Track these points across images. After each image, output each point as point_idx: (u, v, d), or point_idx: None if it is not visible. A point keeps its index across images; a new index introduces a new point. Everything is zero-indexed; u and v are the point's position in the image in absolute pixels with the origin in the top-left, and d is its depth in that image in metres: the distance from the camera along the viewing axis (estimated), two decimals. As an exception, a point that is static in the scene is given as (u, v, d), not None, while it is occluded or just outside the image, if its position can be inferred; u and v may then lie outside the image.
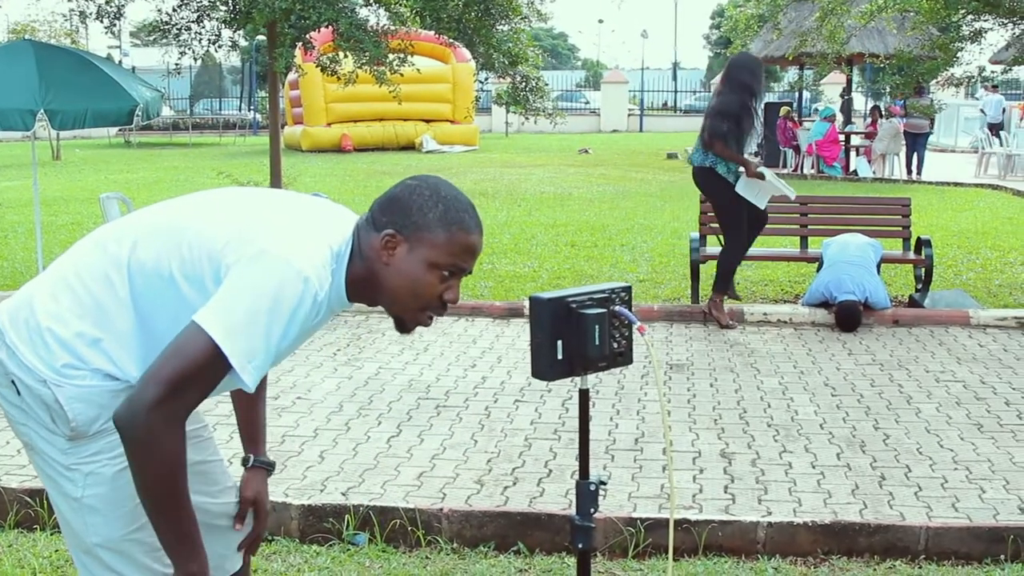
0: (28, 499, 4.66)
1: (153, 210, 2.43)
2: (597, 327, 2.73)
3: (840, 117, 23.77)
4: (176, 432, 2.14)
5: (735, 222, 8.32)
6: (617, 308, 2.79)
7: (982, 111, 27.25)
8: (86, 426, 2.26)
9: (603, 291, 2.80)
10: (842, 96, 26.80)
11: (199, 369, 2.12)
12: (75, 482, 2.30)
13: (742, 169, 8.08)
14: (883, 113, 23.50)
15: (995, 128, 24.27)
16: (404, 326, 2.44)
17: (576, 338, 2.74)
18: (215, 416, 5.18)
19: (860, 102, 38.69)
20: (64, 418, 2.25)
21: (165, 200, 2.48)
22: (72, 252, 2.40)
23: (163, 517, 2.21)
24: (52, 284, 2.33)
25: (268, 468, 2.76)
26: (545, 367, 2.76)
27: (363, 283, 2.33)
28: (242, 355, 2.12)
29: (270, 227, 2.25)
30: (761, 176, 8.12)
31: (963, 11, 12.34)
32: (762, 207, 8.34)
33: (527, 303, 2.84)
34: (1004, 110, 26.52)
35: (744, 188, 8.17)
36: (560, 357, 2.75)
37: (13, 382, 2.28)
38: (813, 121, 23.99)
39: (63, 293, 2.30)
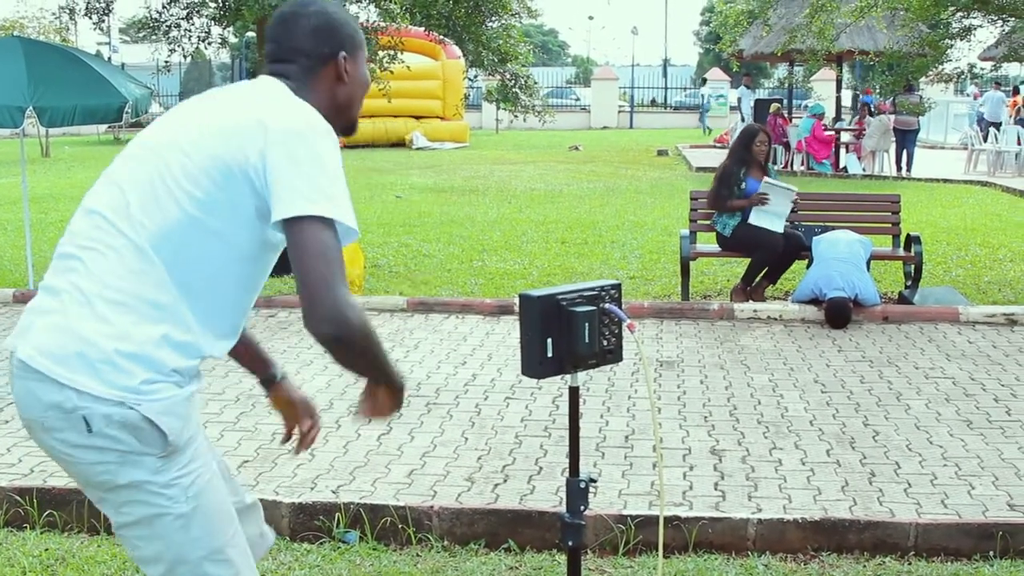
0: (17, 498, 4.65)
1: (115, 178, 2.36)
2: (587, 325, 2.74)
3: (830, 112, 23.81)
4: (356, 305, 2.21)
5: (756, 248, 8.86)
6: (607, 305, 2.79)
7: (980, 110, 27.26)
8: (177, 437, 2.25)
9: (593, 288, 2.80)
10: (857, 93, 26.76)
11: (337, 250, 2.19)
12: (177, 499, 2.27)
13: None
14: (872, 110, 23.52)
15: (996, 126, 24.25)
16: (356, 125, 2.62)
17: (566, 336, 2.74)
18: (204, 415, 5.17)
19: (849, 99, 38.73)
20: (156, 435, 2.22)
21: (108, 172, 2.42)
22: (83, 265, 2.27)
23: (373, 370, 2.38)
24: (88, 306, 2.22)
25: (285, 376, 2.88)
26: (535, 365, 2.77)
27: (325, 113, 2.40)
28: (349, 214, 2.23)
29: (261, 106, 2.30)
30: (763, 198, 8.71)
31: (952, 8, 12.37)
32: (780, 230, 8.77)
33: (517, 300, 2.84)
34: (1003, 107, 26.54)
35: (757, 218, 8.72)
36: (550, 355, 2.75)
37: (84, 418, 2.19)
38: (801, 118, 24.02)
39: (109, 310, 2.22)
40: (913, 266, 9.19)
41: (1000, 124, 24.59)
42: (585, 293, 2.78)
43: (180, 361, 2.26)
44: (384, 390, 2.47)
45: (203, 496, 2.30)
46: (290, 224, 2.17)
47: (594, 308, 2.76)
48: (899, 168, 22.16)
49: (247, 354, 2.76)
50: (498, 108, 18.79)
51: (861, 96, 28.55)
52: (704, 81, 48.39)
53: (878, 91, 22.62)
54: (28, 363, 2.22)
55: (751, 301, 8.79)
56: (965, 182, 20.29)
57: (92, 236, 2.30)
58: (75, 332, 2.20)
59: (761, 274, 8.93)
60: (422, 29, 12.57)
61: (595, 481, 2.91)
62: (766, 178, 8.81)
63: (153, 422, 2.20)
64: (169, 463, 2.25)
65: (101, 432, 2.19)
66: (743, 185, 8.85)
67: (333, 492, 4.88)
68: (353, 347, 2.21)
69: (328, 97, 2.46)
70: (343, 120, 2.52)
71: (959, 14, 12.66)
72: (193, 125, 2.33)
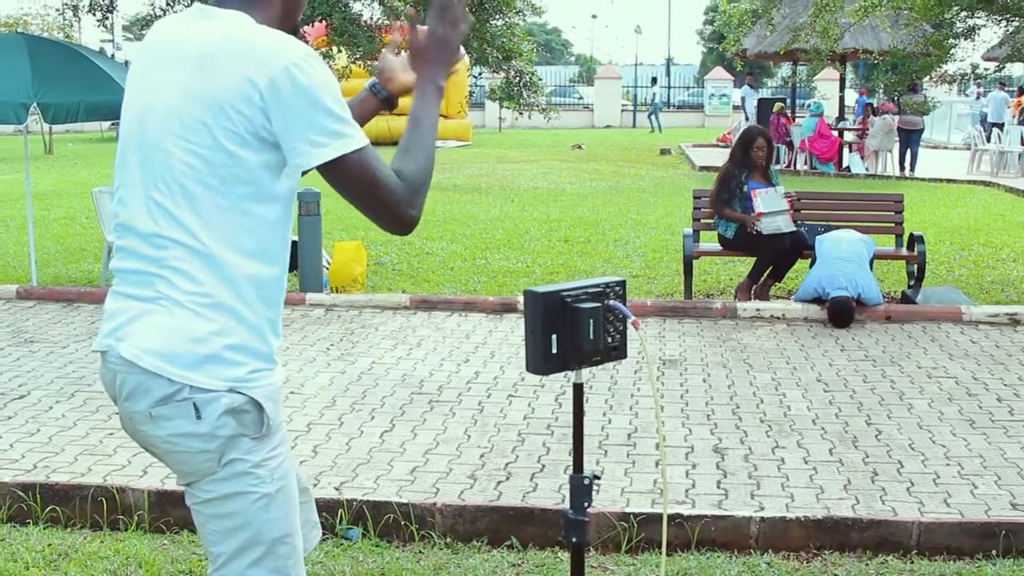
0: (21, 493, 4.66)
1: (140, 192, 2.33)
2: (592, 321, 2.73)
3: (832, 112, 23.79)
4: (407, 187, 2.33)
5: (760, 248, 8.90)
6: (611, 302, 2.79)
7: (984, 110, 27.24)
8: (273, 421, 2.32)
9: (597, 285, 2.80)
10: (877, 93, 26.74)
11: (374, 172, 2.28)
12: (264, 479, 2.31)
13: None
14: (875, 110, 23.51)
15: (999, 127, 24.24)
16: (299, 29, 2.58)
17: (570, 332, 2.74)
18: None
19: (853, 98, 38.75)
20: (258, 417, 2.29)
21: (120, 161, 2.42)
22: (166, 283, 2.28)
23: (433, 141, 2.47)
24: (187, 308, 2.25)
25: None
26: (539, 361, 2.76)
27: (274, 21, 2.39)
28: (358, 132, 2.29)
29: (241, 58, 2.25)
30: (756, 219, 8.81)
31: (956, 8, 12.36)
32: (790, 229, 8.85)
33: (520, 298, 2.84)
34: (1007, 108, 26.52)
35: (765, 227, 8.79)
36: (554, 351, 2.75)
37: (195, 404, 2.24)
38: (804, 118, 24.02)
39: (207, 310, 2.26)
40: (916, 266, 9.19)
41: (1003, 124, 24.58)
42: (590, 290, 2.78)
43: (273, 342, 2.37)
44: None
45: (286, 479, 2.36)
46: (324, 170, 2.26)
47: (599, 304, 2.75)
48: (902, 168, 22.15)
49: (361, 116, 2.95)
50: (501, 106, 18.88)
51: (857, 97, 28.55)
52: (654, 80, 48.57)
53: (882, 91, 22.60)
54: (136, 362, 2.26)
55: (755, 300, 8.80)
56: (968, 182, 20.28)
57: (157, 257, 2.29)
58: (183, 331, 2.25)
59: (766, 272, 8.94)
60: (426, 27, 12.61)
61: (599, 477, 2.90)
62: (759, 192, 8.80)
63: (260, 405, 2.28)
64: (261, 444, 2.31)
65: (210, 419, 2.25)
66: (745, 188, 8.84)
67: (336, 489, 4.88)
68: (426, 193, 2.41)
69: (280, 4, 2.42)
70: (289, 25, 2.47)
71: (963, 14, 12.66)
72: (176, 97, 2.29)
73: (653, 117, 41.50)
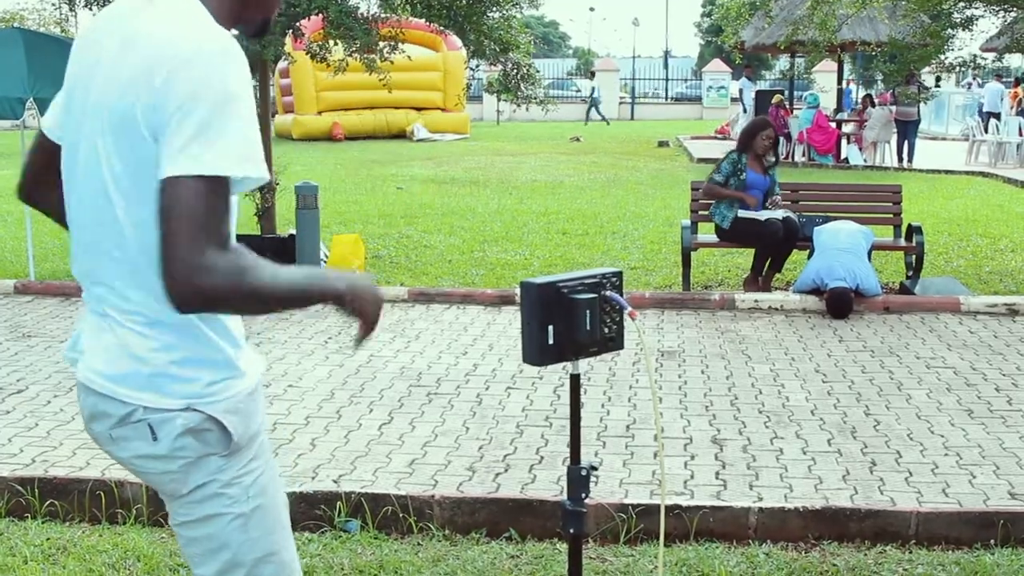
0: (19, 487, 4.65)
1: (79, 196, 2.19)
2: (588, 312, 2.73)
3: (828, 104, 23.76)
4: (220, 260, 1.95)
5: (756, 239, 8.96)
6: (608, 293, 2.79)
7: (981, 100, 27.24)
8: (241, 436, 2.18)
9: (594, 276, 2.80)
10: (840, 86, 26.75)
11: (206, 207, 1.96)
12: (238, 499, 2.20)
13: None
14: (873, 102, 23.47)
15: (995, 117, 24.24)
16: (270, 23, 2.31)
17: (567, 323, 2.74)
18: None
19: (854, 91, 38.73)
20: (221, 435, 2.15)
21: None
22: (112, 292, 2.15)
23: (276, 307, 2.17)
24: (128, 326, 2.13)
25: None
26: (535, 352, 2.76)
27: (234, 8, 2.18)
28: (234, 162, 1.98)
29: (153, 45, 2.04)
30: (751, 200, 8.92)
31: (954, -2, 12.35)
32: (780, 217, 8.90)
33: (518, 290, 2.83)
34: (1003, 99, 26.53)
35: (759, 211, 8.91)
36: (551, 342, 2.74)
37: (149, 426, 2.13)
38: (801, 109, 24.00)
39: (148, 328, 2.12)
40: (914, 256, 9.19)
41: (999, 115, 24.58)
42: (586, 281, 2.77)
43: (229, 349, 2.20)
44: (342, 304, 2.19)
45: (263, 495, 2.24)
46: (162, 186, 1.97)
47: (595, 295, 2.75)
48: (900, 159, 22.14)
49: None
50: (499, 99, 18.85)
51: (883, 89, 28.54)
52: (593, 75, 48.61)
53: (881, 81, 22.58)
54: (89, 385, 2.18)
55: (762, 291, 8.82)
56: (966, 173, 20.27)
57: (96, 271, 2.18)
58: (126, 350, 2.14)
59: (767, 263, 8.96)
60: (423, 20, 12.55)
61: (596, 468, 2.90)
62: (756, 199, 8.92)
63: (219, 422, 2.15)
64: (231, 461, 2.19)
65: (167, 440, 2.14)
66: (743, 176, 8.87)
67: (334, 481, 4.88)
68: (227, 306, 2.02)
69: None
70: (262, 12, 2.26)
71: (961, 4, 12.63)
72: (98, 93, 2.13)
73: (594, 109, 41.72)
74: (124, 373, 2.13)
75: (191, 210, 1.93)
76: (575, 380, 2.89)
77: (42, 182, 2.41)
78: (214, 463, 2.17)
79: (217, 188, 1.96)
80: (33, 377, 6.60)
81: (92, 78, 2.16)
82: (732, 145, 9.95)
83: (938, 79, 31.20)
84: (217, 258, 1.94)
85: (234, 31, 2.23)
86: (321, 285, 2.16)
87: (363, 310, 2.20)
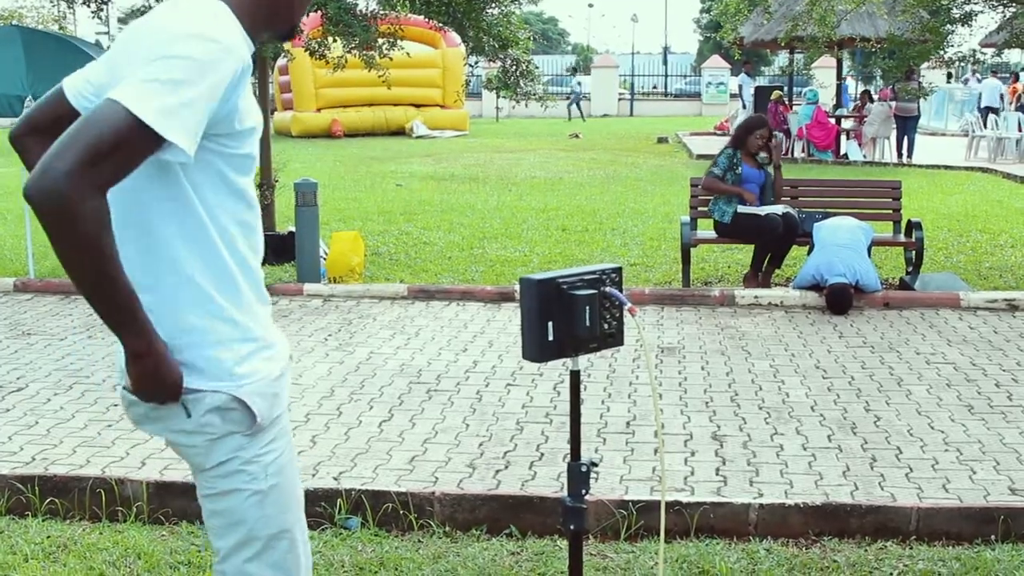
0: (19, 485, 4.65)
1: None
2: (588, 308, 2.73)
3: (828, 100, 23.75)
4: (89, 188, 1.97)
5: (755, 234, 8.93)
6: (608, 289, 2.79)
7: (979, 98, 27.25)
8: (265, 417, 2.30)
9: (593, 272, 2.80)
10: (840, 82, 26.74)
11: (112, 134, 2.00)
12: (257, 476, 2.32)
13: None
14: (872, 97, 23.46)
15: (994, 112, 24.25)
16: (296, 29, 2.43)
17: (566, 319, 2.74)
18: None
19: (851, 86, 38.72)
20: (246, 415, 2.27)
21: None
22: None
23: (94, 293, 2.07)
24: (164, 310, 2.22)
25: None
26: (535, 349, 2.76)
27: (262, 13, 2.30)
28: (159, 116, 2.02)
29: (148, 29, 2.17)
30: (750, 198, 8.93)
31: (953, -7, 12.34)
32: (779, 212, 8.88)
33: (518, 287, 2.83)
34: (1001, 96, 26.53)
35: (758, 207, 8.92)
36: (551, 339, 2.74)
37: (184, 405, 2.24)
38: (800, 105, 24.00)
39: (153, 315, 2.18)
40: (914, 252, 9.19)
41: (997, 109, 24.58)
42: (586, 277, 2.77)
43: (240, 316, 2.28)
44: (131, 361, 2.18)
45: (281, 475, 2.36)
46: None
47: (595, 291, 2.75)
48: (900, 155, 22.13)
49: None
50: (498, 96, 18.84)
51: (883, 85, 28.54)
52: (575, 71, 48.55)
53: (880, 77, 22.57)
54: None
55: (762, 287, 8.83)
56: (966, 168, 20.26)
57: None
58: (167, 336, 2.21)
59: (767, 259, 8.96)
60: (422, 17, 12.54)
61: (596, 465, 2.90)
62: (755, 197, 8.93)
63: (245, 403, 2.26)
64: (254, 440, 2.31)
65: (196, 417, 2.25)
66: (739, 170, 8.90)
67: (335, 479, 4.88)
68: (51, 226, 1.97)
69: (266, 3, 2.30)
70: (283, 21, 2.37)
71: (960, -1, 12.64)
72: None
73: (574, 106, 41.64)
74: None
75: (100, 130, 1.98)
76: (575, 376, 2.89)
77: (38, 133, 2.47)
78: (236, 441, 2.29)
79: (135, 130, 2.01)
80: (33, 375, 6.59)
81: (108, 69, 2.30)
82: (731, 141, 9.93)
83: (949, 75, 31.18)
84: (88, 184, 1.96)
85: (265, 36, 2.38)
86: (134, 326, 2.12)
87: (138, 380, 2.20)
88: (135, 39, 2.18)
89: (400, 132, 30.13)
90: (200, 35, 2.10)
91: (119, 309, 2.10)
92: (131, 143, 2.01)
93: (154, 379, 2.19)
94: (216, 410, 2.25)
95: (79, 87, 2.41)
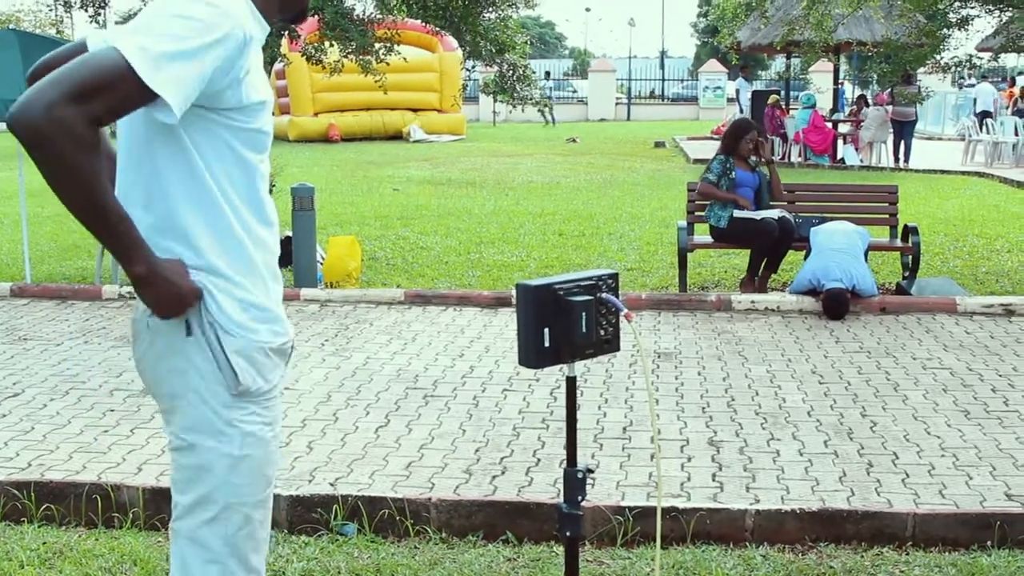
0: (15, 491, 4.64)
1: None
2: (584, 314, 2.73)
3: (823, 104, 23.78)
4: (77, 117, 2.05)
5: (751, 238, 8.93)
6: (604, 295, 2.79)
7: (975, 103, 27.30)
8: (249, 383, 2.34)
9: (590, 278, 2.80)
10: (836, 87, 26.76)
11: (106, 73, 2.08)
12: (232, 440, 2.36)
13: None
14: (868, 102, 23.49)
15: (990, 116, 24.29)
16: (307, 11, 2.56)
17: (563, 325, 2.73)
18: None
19: (848, 90, 38.77)
20: (231, 374, 2.32)
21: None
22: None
23: (86, 220, 2.17)
24: (199, 233, 2.30)
25: None
26: (532, 355, 2.76)
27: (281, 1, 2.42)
28: (154, 70, 2.10)
29: None
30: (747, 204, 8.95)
31: (949, -3, 12.37)
32: (775, 216, 8.87)
33: (514, 292, 2.83)
34: (995, 100, 26.56)
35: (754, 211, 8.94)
36: (547, 345, 2.74)
37: (187, 321, 2.30)
38: (796, 109, 24.03)
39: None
40: (911, 257, 9.19)
41: (992, 114, 24.63)
42: (582, 283, 2.77)
43: (261, 299, 2.37)
44: (136, 287, 2.28)
45: (258, 449, 2.39)
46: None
47: (591, 298, 2.75)
48: (897, 159, 22.15)
49: None
50: (495, 100, 18.89)
51: (879, 89, 28.58)
52: (548, 75, 48.41)
53: (875, 81, 22.60)
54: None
55: (758, 292, 8.83)
56: (963, 173, 20.28)
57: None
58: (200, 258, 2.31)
59: (763, 264, 8.97)
60: (419, 21, 12.56)
61: (592, 471, 2.90)
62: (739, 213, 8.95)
63: (228, 359, 2.31)
64: (238, 404, 2.34)
65: (197, 339, 2.30)
66: (732, 175, 8.91)
67: (331, 484, 4.87)
68: (44, 154, 2.05)
69: None
70: (299, 2, 2.48)
71: (956, 4, 12.65)
72: None
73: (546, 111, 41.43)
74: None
75: (91, 69, 2.07)
76: (571, 383, 2.88)
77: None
78: (224, 396, 2.33)
79: (125, 75, 2.08)
80: (29, 380, 6.59)
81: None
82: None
83: (961, 78, 31.24)
84: (70, 117, 2.03)
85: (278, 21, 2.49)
86: (130, 252, 2.21)
87: (154, 301, 2.28)
88: (152, 4, 2.25)
89: (397, 136, 30.15)
90: (217, 10, 2.18)
91: (113, 235, 2.18)
92: (118, 87, 2.08)
93: (167, 297, 2.26)
94: (210, 345, 2.30)
95: (98, 39, 2.45)
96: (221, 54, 2.17)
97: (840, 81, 31.33)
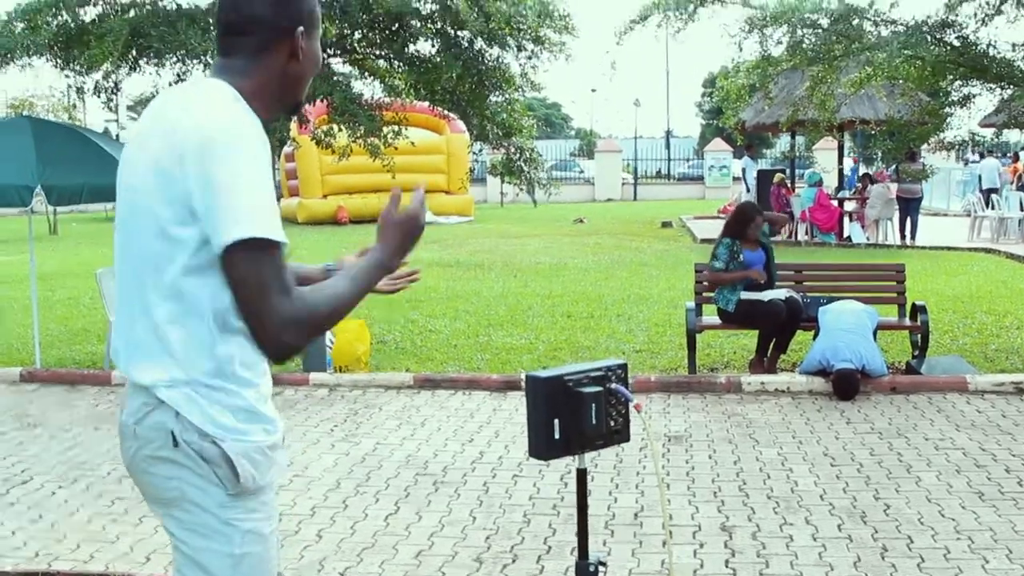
0: (22, 583, 4.61)
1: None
2: (594, 405, 2.73)
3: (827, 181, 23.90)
4: (296, 309, 2.19)
5: (759, 320, 8.93)
6: (613, 386, 2.79)
7: (980, 179, 27.48)
8: (249, 482, 2.32)
9: (599, 369, 2.80)
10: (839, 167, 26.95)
11: (263, 273, 2.17)
12: (232, 539, 2.34)
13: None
14: (872, 180, 23.63)
15: (996, 192, 24.43)
16: (302, 105, 2.58)
17: (573, 417, 2.74)
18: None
19: (848, 167, 39.03)
20: (231, 475, 2.30)
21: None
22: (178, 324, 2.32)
23: (344, 312, 2.34)
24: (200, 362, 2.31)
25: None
26: (542, 446, 2.76)
27: (270, 95, 2.43)
28: (269, 226, 2.18)
29: (183, 129, 2.24)
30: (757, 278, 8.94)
31: (951, 77, 12.46)
32: (783, 297, 8.88)
33: (523, 378, 2.84)
34: (1000, 175, 26.72)
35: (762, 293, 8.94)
36: (557, 436, 2.74)
37: (172, 433, 2.29)
38: (802, 188, 24.14)
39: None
40: (920, 335, 9.18)
41: (998, 190, 24.75)
42: (591, 374, 2.78)
43: (252, 400, 2.36)
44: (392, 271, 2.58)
45: (257, 546, 2.37)
46: (226, 252, 2.18)
47: (600, 388, 2.76)
48: (903, 236, 22.21)
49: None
50: (503, 181, 19.03)
51: (851, 165, 28.78)
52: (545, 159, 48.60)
53: (880, 159, 22.74)
54: (138, 382, 2.34)
55: (767, 373, 8.81)
56: (969, 249, 20.32)
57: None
58: (182, 372, 2.30)
59: (771, 344, 8.96)
60: (427, 104, 12.70)
61: (605, 564, 2.88)
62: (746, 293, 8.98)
63: (232, 462, 2.29)
64: (236, 503, 2.33)
65: (183, 450, 2.29)
66: (740, 257, 8.92)
67: (341, 574, 4.83)
68: (314, 338, 2.29)
69: (279, 75, 2.42)
70: (290, 99, 2.50)
71: (958, 83, 12.76)
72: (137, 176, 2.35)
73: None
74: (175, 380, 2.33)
75: (256, 276, 2.17)
76: (582, 475, 2.88)
77: None
78: (219, 496, 2.31)
79: (263, 249, 2.17)
80: (38, 467, 6.57)
81: (124, 161, 2.41)
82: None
83: (966, 154, 31.48)
84: (288, 314, 2.18)
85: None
86: (368, 277, 2.42)
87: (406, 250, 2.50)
88: (156, 142, 2.27)
89: (405, 218, 30.27)
90: (232, 127, 2.23)
91: (362, 294, 2.40)
92: (276, 258, 2.19)
93: (406, 247, 2.52)
94: (202, 456, 2.29)
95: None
96: (268, 165, 2.28)
97: (856, 159, 31.53)
